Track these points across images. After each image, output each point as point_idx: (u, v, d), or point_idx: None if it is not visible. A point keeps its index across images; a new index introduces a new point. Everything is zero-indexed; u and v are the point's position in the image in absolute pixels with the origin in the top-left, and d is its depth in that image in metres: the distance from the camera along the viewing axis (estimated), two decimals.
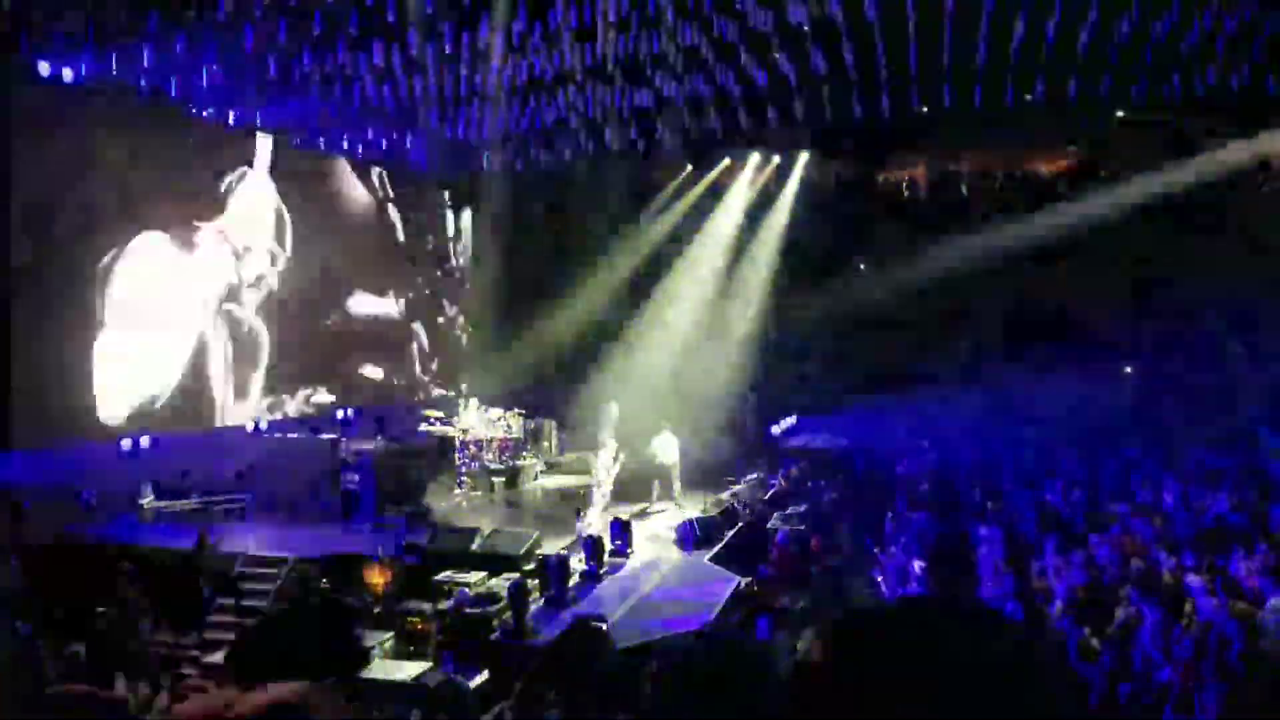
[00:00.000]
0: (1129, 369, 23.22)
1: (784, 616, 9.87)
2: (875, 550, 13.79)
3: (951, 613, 1.01)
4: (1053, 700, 0.95)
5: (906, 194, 31.97)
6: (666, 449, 16.75)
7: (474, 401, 19.36)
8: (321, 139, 20.00)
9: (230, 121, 17.69)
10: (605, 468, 15.14)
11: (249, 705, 0.90)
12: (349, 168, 20.94)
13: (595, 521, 14.29)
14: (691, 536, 13.90)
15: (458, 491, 17.12)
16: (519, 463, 18.57)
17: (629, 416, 17.52)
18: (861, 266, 30.77)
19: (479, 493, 17.38)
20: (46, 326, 13.73)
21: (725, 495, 16.40)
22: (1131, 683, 7.53)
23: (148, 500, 15.57)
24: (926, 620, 1.00)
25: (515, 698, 3.37)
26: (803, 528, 14.71)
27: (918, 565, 11.54)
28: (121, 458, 15.39)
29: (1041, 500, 14.90)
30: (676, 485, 16.69)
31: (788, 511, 15.94)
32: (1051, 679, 0.99)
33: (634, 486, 16.46)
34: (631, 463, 15.78)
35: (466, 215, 25.47)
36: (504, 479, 17.60)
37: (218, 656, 9.49)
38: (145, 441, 15.79)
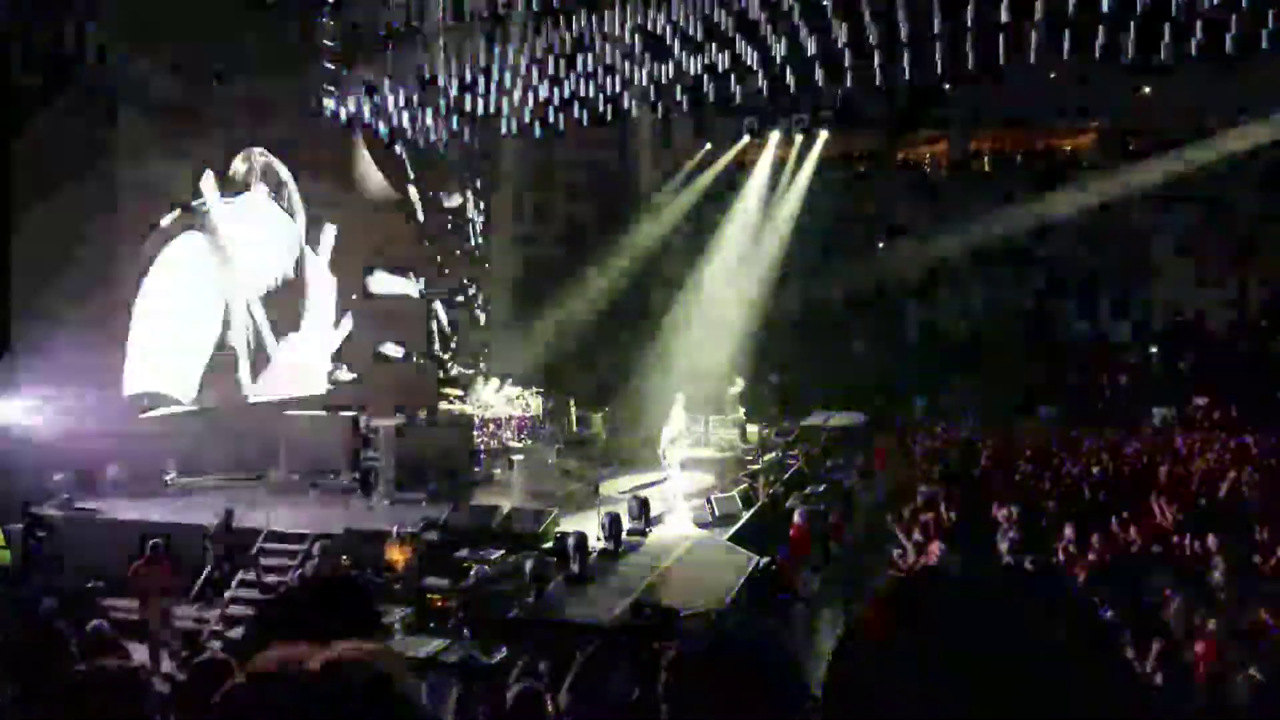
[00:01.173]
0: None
1: (801, 596, 9.85)
2: (895, 530, 13.73)
3: (1020, 582, 0.96)
4: (1118, 684, 0.89)
5: (929, 170, 31.75)
6: (675, 418, 16.90)
7: (493, 380, 19.42)
8: (342, 114, 19.89)
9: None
10: (670, 439, 15.31)
11: (323, 658, 0.92)
12: (368, 146, 20.87)
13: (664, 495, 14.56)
14: (710, 516, 13.89)
15: (477, 469, 17.16)
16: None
17: (652, 392, 17.72)
18: (881, 245, 30.63)
19: (497, 470, 17.42)
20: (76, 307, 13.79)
21: (743, 475, 16.36)
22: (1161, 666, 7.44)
23: (172, 476, 15.72)
24: (995, 587, 0.94)
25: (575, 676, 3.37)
26: (821, 507, 14.67)
27: (937, 546, 11.48)
28: (146, 435, 15.48)
29: (1062, 478, 14.81)
30: (674, 450, 16.80)
31: (806, 491, 15.92)
32: (1116, 659, 0.92)
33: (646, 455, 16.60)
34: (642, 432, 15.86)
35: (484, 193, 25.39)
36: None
37: (239, 631, 9.55)
38: (168, 417, 15.87)
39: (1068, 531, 11.38)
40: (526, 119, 20.36)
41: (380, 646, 1.01)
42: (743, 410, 19.22)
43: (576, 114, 20.18)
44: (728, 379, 21.50)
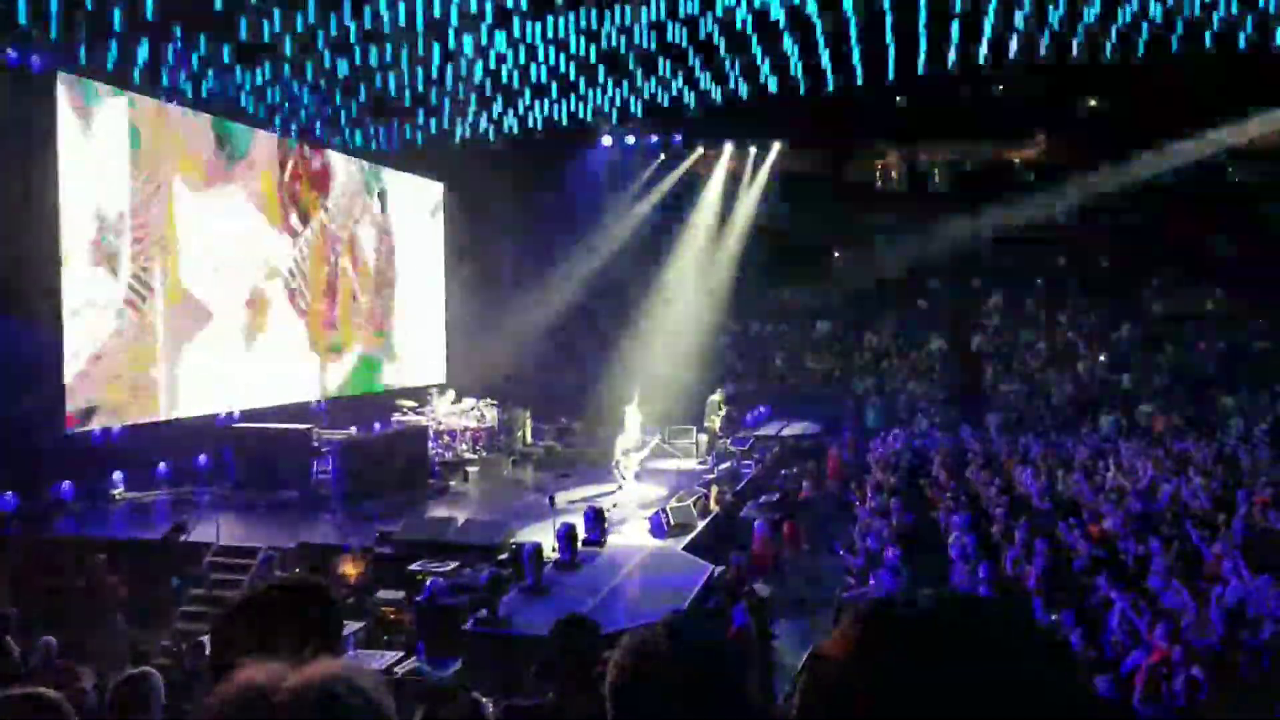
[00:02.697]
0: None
1: (756, 603, 9.93)
2: (846, 539, 13.92)
3: (994, 613, 0.92)
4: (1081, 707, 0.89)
5: (880, 184, 32.18)
6: (631, 425, 17.11)
7: (448, 392, 19.37)
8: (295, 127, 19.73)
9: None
10: (623, 450, 15.36)
11: (294, 682, 0.90)
12: (329, 154, 20.72)
13: (617, 504, 14.71)
14: (664, 525, 13.96)
15: (432, 481, 17.08)
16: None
17: (607, 402, 17.90)
18: (837, 254, 30.99)
19: (452, 482, 17.36)
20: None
21: (698, 485, 16.46)
22: (1103, 670, 7.65)
23: (118, 491, 15.47)
24: (969, 620, 0.91)
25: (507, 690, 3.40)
26: (776, 516, 14.82)
27: (891, 552, 11.67)
28: (90, 447, 15.21)
29: (1011, 486, 15.09)
30: (628, 460, 16.97)
31: (760, 500, 16.06)
32: (1085, 694, 0.95)
33: (602, 466, 16.72)
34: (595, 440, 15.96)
35: (438, 200, 25.29)
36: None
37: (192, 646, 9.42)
38: (115, 429, 15.60)
39: (1017, 538, 11.64)
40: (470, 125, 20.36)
41: (352, 665, 0.99)
42: (719, 420, 19.37)
43: (531, 123, 20.22)
44: (684, 389, 21.71)
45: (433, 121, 20.18)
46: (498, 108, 19.77)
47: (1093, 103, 30.05)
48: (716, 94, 20.81)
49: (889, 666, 0.87)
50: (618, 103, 20.22)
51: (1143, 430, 18.58)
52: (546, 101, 19.85)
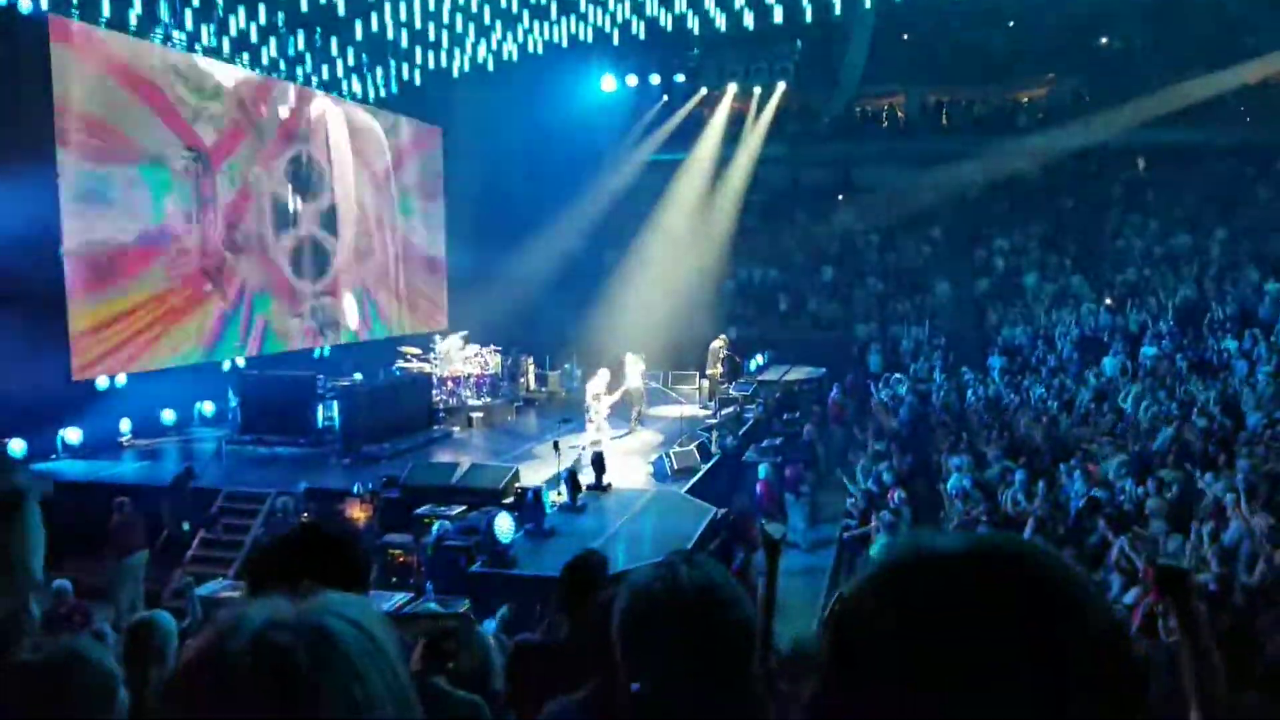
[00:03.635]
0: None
1: (770, 542, 10.06)
2: (848, 480, 14.06)
3: (1026, 558, 0.86)
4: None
5: (886, 123, 31.86)
6: (631, 374, 17.22)
7: (451, 338, 19.41)
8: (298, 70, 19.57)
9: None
10: (594, 394, 15.39)
11: (287, 615, 0.90)
12: (321, 99, 20.52)
13: (579, 447, 14.65)
14: (668, 469, 14.11)
15: (436, 427, 17.23)
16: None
17: (609, 348, 17.97)
18: (840, 197, 30.79)
19: (456, 428, 17.50)
20: None
21: (701, 429, 16.59)
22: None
23: (126, 438, 15.64)
24: (1006, 565, 0.86)
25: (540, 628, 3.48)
26: (779, 459, 14.96)
27: (894, 494, 11.81)
28: (99, 395, 15.35)
29: (1011, 428, 15.18)
30: (634, 411, 17.17)
31: (763, 444, 16.20)
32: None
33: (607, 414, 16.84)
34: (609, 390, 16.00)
35: (438, 145, 25.11)
36: None
37: (201, 591, 9.61)
38: (122, 379, 15.71)
39: (1017, 480, 11.76)
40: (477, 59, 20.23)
41: (348, 597, 0.97)
42: (721, 365, 19.40)
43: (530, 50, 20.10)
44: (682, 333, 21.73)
45: (430, 55, 20.01)
46: (495, 34, 19.62)
47: (1104, 40, 29.72)
48: (721, 24, 20.57)
49: (922, 613, 0.82)
50: (619, 21, 20.02)
51: (1146, 372, 18.57)
52: (546, 24, 19.68)
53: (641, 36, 20.79)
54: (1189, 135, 26.59)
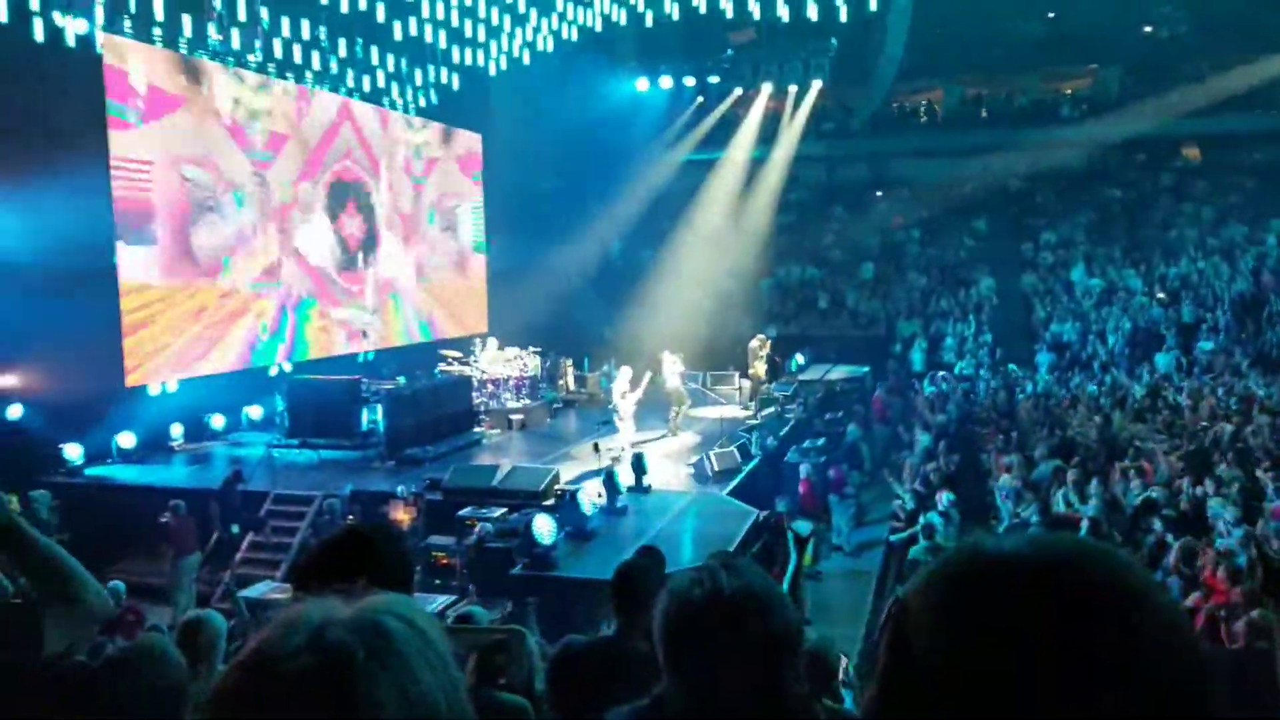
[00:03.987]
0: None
1: (797, 539, 9.92)
2: (894, 480, 13.89)
3: (1089, 559, 0.83)
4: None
5: (925, 118, 31.53)
6: (670, 374, 17.13)
7: (491, 341, 19.50)
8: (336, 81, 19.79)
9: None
10: (621, 393, 15.32)
11: (344, 613, 0.91)
12: (360, 107, 20.70)
13: (618, 449, 14.62)
14: (708, 471, 14.02)
15: (477, 429, 17.30)
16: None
17: (647, 348, 17.90)
18: (879, 193, 30.51)
19: (497, 430, 17.56)
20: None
21: (742, 430, 16.48)
22: None
23: (177, 442, 15.90)
24: (1075, 569, 0.82)
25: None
26: (821, 460, 14.81)
27: (942, 496, 11.63)
28: (151, 400, 15.63)
29: (1063, 426, 14.90)
30: (674, 410, 17.05)
31: (805, 445, 16.05)
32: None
33: (648, 414, 16.82)
34: (646, 390, 15.91)
35: (477, 151, 25.22)
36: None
37: (250, 592, 9.71)
38: (173, 384, 16.00)
39: (1069, 479, 11.52)
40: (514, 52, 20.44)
41: (401, 597, 0.99)
42: (762, 364, 19.22)
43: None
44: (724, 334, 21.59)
45: (467, 53, 20.16)
46: (530, 23, 19.81)
47: (1147, 28, 29.18)
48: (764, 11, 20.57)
49: (982, 616, 0.80)
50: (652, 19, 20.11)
51: (1203, 368, 18.15)
52: (580, 17, 19.81)
53: (675, 35, 20.83)
54: (1240, 123, 26.01)
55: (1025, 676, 0.76)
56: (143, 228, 15.51)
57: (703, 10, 20.49)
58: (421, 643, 0.91)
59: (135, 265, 15.35)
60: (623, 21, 20.70)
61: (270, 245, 18.08)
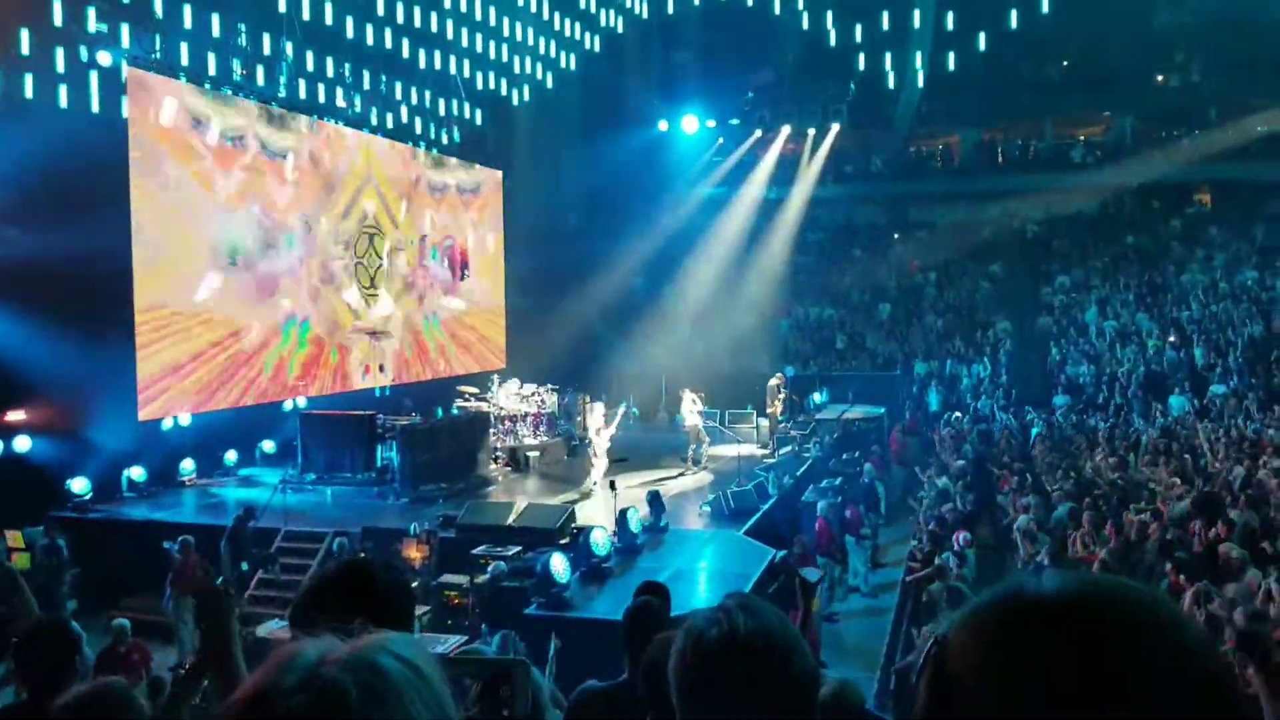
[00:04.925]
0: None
1: (803, 586, 9.78)
2: (909, 522, 13.71)
3: (1129, 601, 0.81)
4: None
5: (940, 162, 31.62)
6: (688, 413, 17.06)
7: (510, 379, 19.48)
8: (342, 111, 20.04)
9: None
10: (595, 429, 15.27)
11: (339, 652, 0.91)
12: (381, 144, 20.89)
13: (598, 484, 14.71)
14: (725, 510, 13.88)
15: (493, 466, 17.21)
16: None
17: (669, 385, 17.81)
18: (896, 236, 30.52)
19: (512, 467, 17.47)
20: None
21: (759, 469, 16.34)
22: None
23: (189, 477, 15.86)
24: (1121, 610, 0.81)
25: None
26: (839, 500, 14.64)
27: (962, 537, 11.47)
28: (162, 435, 15.61)
29: (1078, 468, 14.71)
30: (693, 449, 16.98)
31: (822, 485, 15.88)
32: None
33: (660, 452, 16.71)
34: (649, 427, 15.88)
35: (498, 187, 25.39)
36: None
37: (260, 631, 9.61)
38: (185, 419, 15.96)
39: (1084, 521, 11.34)
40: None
41: (401, 635, 0.97)
42: (780, 403, 19.13)
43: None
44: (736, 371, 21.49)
45: (489, 78, 20.39)
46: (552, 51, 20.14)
47: (1160, 78, 29.27)
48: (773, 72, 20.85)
49: (1022, 657, 0.78)
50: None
51: (1216, 411, 17.96)
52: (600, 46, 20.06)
53: (697, 76, 21.05)
54: (1252, 171, 25.97)
55: (1061, 712, 0.75)
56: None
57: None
58: (418, 682, 0.90)
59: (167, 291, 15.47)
60: (645, 79, 21.06)
61: (295, 282, 18.17)
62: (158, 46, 15.43)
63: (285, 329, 18.01)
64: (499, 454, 17.71)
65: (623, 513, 12.43)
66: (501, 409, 18.57)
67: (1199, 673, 0.78)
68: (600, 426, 15.28)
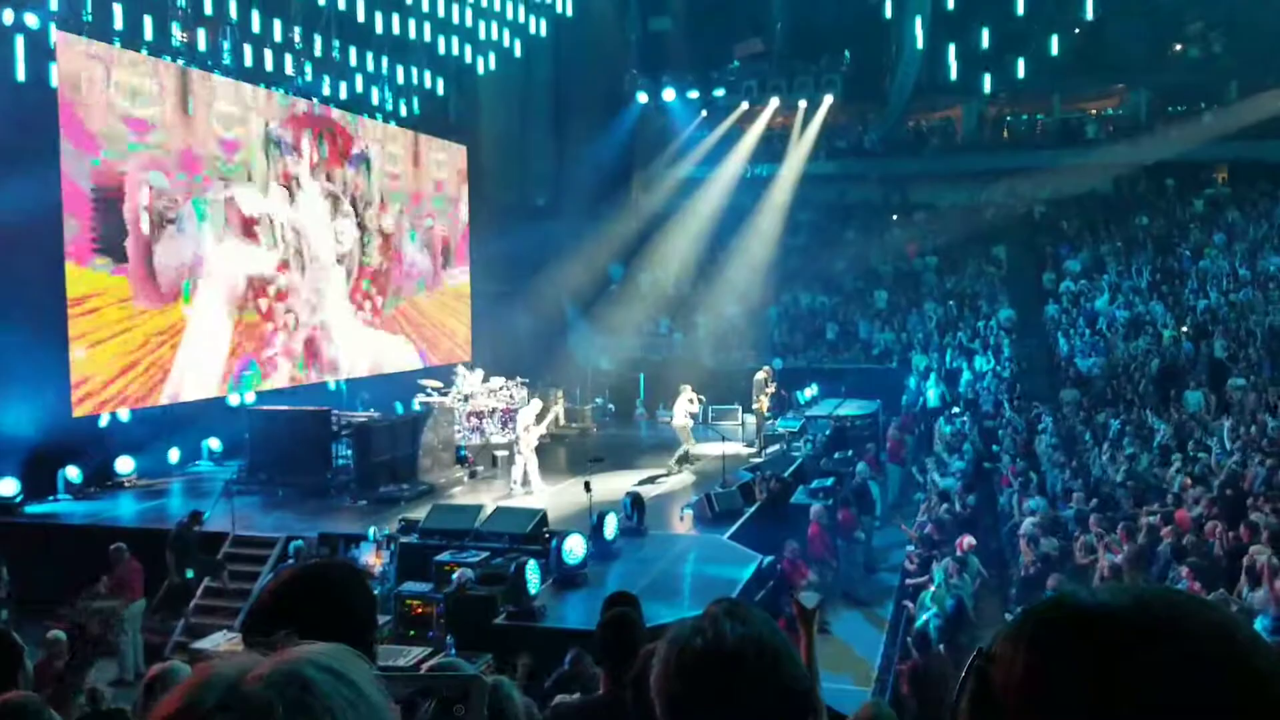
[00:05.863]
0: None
1: (802, 611, 9.89)
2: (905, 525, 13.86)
3: (1185, 612, 0.83)
4: None
5: (941, 138, 31.78)
6: (680, 411, 17.15)
7: (476, 370, 19.46)
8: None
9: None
10: (524, 425, 15.32)
11: (262, 669, 0.90)
12: (340, 116, 20.80)
13: (518, 484, 15.02)
14: (709, 513, 13.96)
15: (459, 466, 17.22)
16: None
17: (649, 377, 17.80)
18: (894, 217, 30.68)
19: (480, 467, 17.48)
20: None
21: (745, 468, 16.44)
22: None
23: (129, 477, 15.78)
24: (1175, 620, 0.82)
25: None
26: (830, 502, 14.77)
27: (966, 541, 11.62)
28: (101, 431, 15.53)
29: (1086, 468, 14.90)
30: (681, 449, 17.08)
31: (814, 485, 16.01)
32: None
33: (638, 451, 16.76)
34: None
35: (462, 162, 25.33)
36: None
37: (204, 643, 9.60)
38: (124, 415, 15.87)
39: (1092, 524, 11.51)
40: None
41: (334, 648, 0.96)
42: (767, 399, 19.24)
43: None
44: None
45: (452, 43, 20.27)
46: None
47: (1177, 48, 29.51)
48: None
49: (1073, 670, 0.80)
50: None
51: (1235, 406, 18.18)
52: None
53: (679, 46, 21.04)
54: (1275, 149, 26.22)
55: None
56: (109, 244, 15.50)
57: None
58: (352, 696, 0.89)
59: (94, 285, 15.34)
60: (624, 49, 21.04)
61: (235, 264, 18.01)
62: (88, 8, 15.28)
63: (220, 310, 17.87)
64: (464, 453, 17.71)
65: (600, 516, 12.49)
66: (467, 404, 18.57)
67: (1269, 704, 0.78)
68: (529, 424, 15.32)
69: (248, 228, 18.28)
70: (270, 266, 18.82)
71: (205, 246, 17.23)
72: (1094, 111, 31.11)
